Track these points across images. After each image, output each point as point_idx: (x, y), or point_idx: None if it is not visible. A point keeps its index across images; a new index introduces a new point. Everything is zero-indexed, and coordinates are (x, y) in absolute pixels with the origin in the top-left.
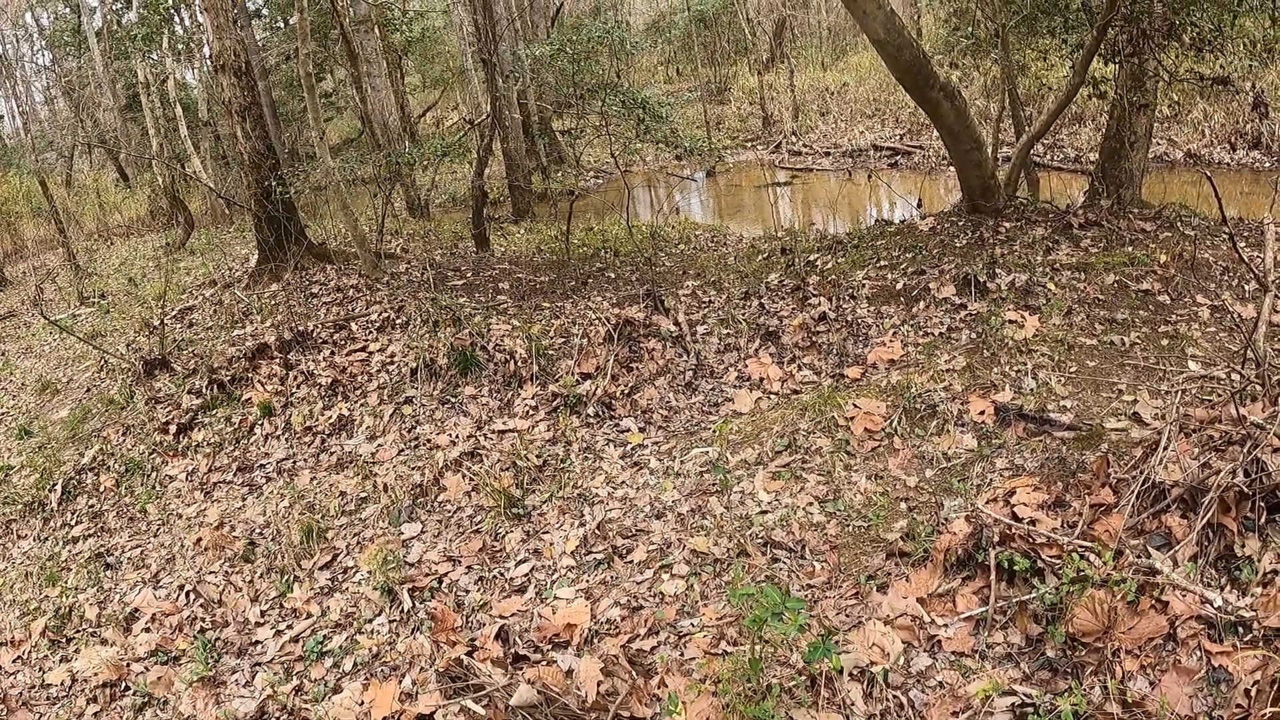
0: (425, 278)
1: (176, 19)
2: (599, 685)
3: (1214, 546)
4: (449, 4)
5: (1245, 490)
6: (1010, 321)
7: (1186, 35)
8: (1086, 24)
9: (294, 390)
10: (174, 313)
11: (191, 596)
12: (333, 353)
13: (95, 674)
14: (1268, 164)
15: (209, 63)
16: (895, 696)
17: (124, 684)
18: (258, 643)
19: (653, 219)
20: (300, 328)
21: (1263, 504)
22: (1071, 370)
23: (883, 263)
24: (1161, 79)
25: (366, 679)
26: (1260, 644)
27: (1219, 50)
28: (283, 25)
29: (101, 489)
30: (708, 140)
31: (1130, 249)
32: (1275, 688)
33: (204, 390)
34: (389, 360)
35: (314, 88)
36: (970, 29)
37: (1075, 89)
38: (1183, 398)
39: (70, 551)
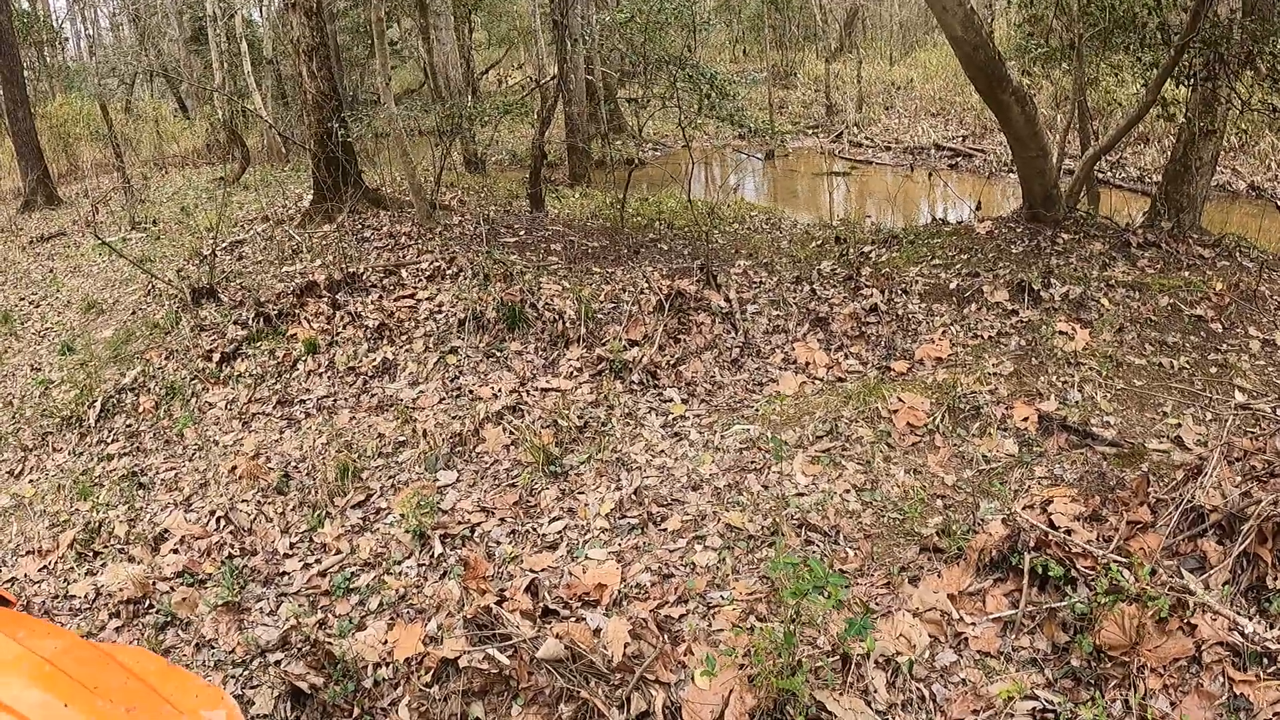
0: (478, 232)
1: None
2: (625, 647)
3: (1247, 575)
4: None
5: None
6: (1061, 332)
7: (1263, 64)
8: (1163, 44)
9: (340, 330)
10: (225, 244)
11: (222, 523)
12: (381, 297)
13: (120, 589)
14: None
15: (279, 1)
16: (918, 688)
17: (148, 602)
18: (285, 574)
19: (709, 195)
20: (350, 269)
21: None
22: (1118, 387)
23: (937, 261)
24: (1233, 107)
25: (392, 619)
26: None
27: None
28: None
29: (140, 410)
30: (770, 123)
31: (1187, 274)
32: None
33: (249, 322)
34: (437, 309)
35: (383, 33)
36: (1044, 37)
37: (1146, 108)
38: (1230, 426)
39: (104, 469)
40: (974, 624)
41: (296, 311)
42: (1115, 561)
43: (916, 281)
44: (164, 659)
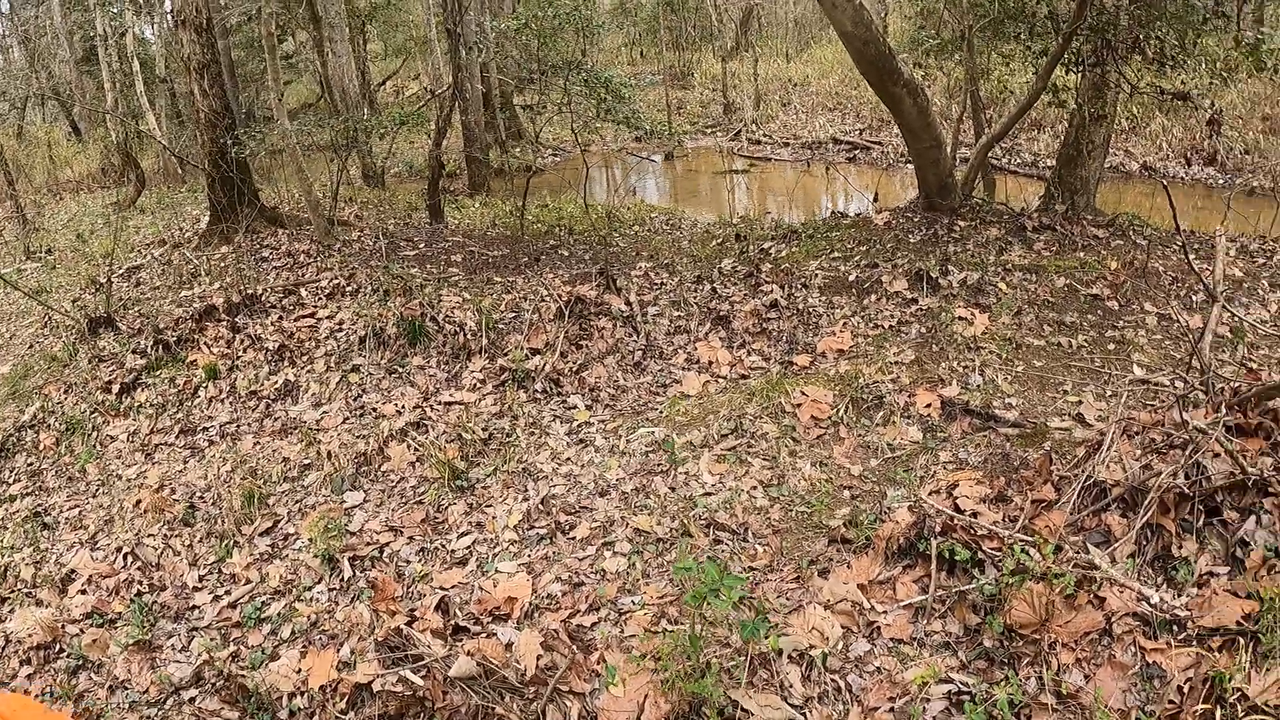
0: (377, 246)
1: None
2: (538, 659)
3: (1152, 546)
4: None
5: (1185, 492)
6: (960, 318)
7: (1150, 49)
8: (1052, 32)
9: (240, 354)
10: (121, 271)
11: (129, 559)
12: (281, 318)
13: (29, 635)
14: (1221, 180)
15: (169, 18)
16: (833, 680)
17: (59, 646)
18: (195, 607)
19: (609, 199)
20: (249, 291)
21: (1201, 507)
22: (1018, 369)
23: (836, 254)
24: (1122, 91)
25: (304, 647)
26: (1194, 643)
27: (1180, 66)
28: None
29: (41, 447)
30: (668, 124)
31: (1082, 254)
32: (1207, 686)
33: (149, 350)
34: (337, 327)
35: (275, 48)
36: (936, 29)
37: (1036, 95)
38: (1127, 400)
39: (6, 510)
40: (885, 612)
41: (196, 337)
42: (1021, 541)
43: (816, 275)
44: (40, 704)
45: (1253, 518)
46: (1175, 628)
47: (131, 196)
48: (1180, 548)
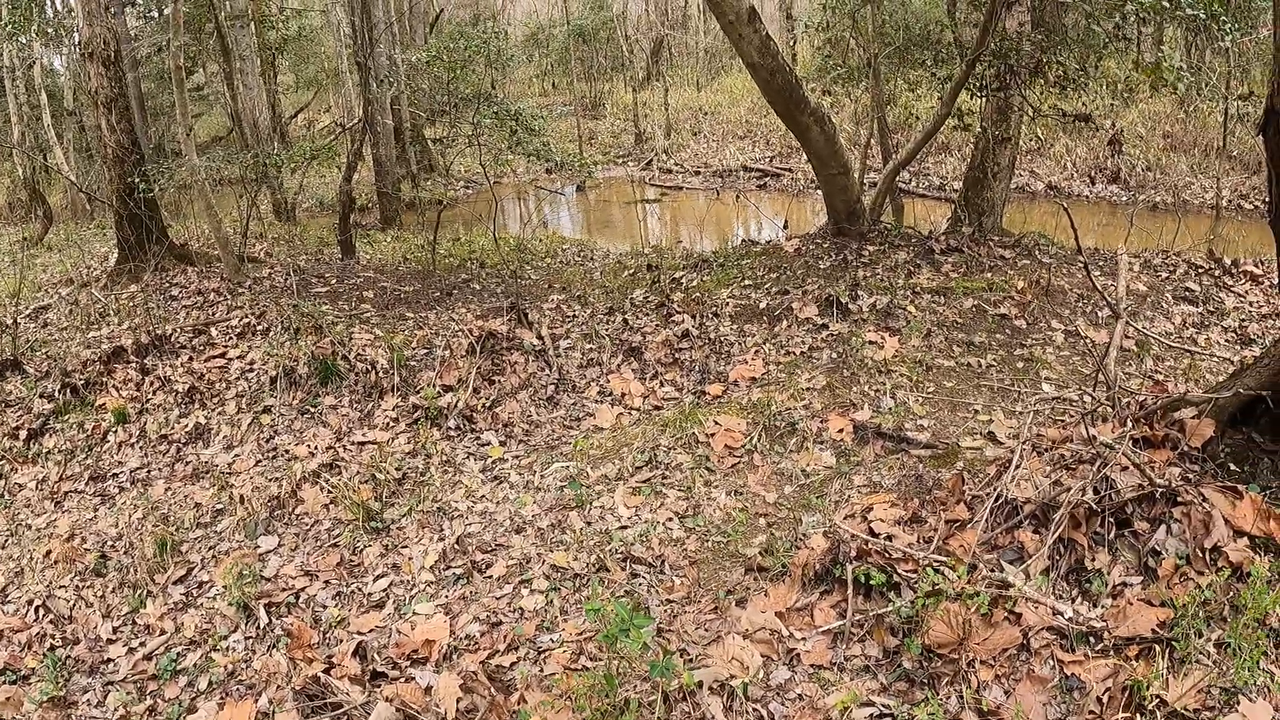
0: (288, 283)
1: (47, 1)
2: (458, 702)
3: (1065, 560)
4: (327, 3)
5: (1095, 506)
6: (870, 342)
7: (1052, 73)
8: (957, 58)
9: (150, 396)
10: (28, 311)
11: (41, 612)
12: (191, 358)
13: None
14: (1124, 198)
15: (78, 50)
16: (755, 709)
17: None
18: (110, 660)
19: (521, 231)
20: (158, 331)
21: (1112, 519)
22: (929, 390)
23: (747, 282)
24: (1026, 114)
25: (222, 698)
26: (1111, 653)
27: (1082, 88)
28: (156, 15)
29: None
30: (580, 155)
31: (989, 275)
32: (1126, 694)
33: (56, 394)
34: (248, 367)
35: (183, 82)
36: (843, 58)
37: (942, 119)
38: (1036, 418)
39: None
40: (804, 639)
41: (104, 380)
42: (936, 562)
43: (728, 304)
44: None
45: (1163, 527)
46: (1092, 639)
47: (38, 233)
48: (1093, 560)
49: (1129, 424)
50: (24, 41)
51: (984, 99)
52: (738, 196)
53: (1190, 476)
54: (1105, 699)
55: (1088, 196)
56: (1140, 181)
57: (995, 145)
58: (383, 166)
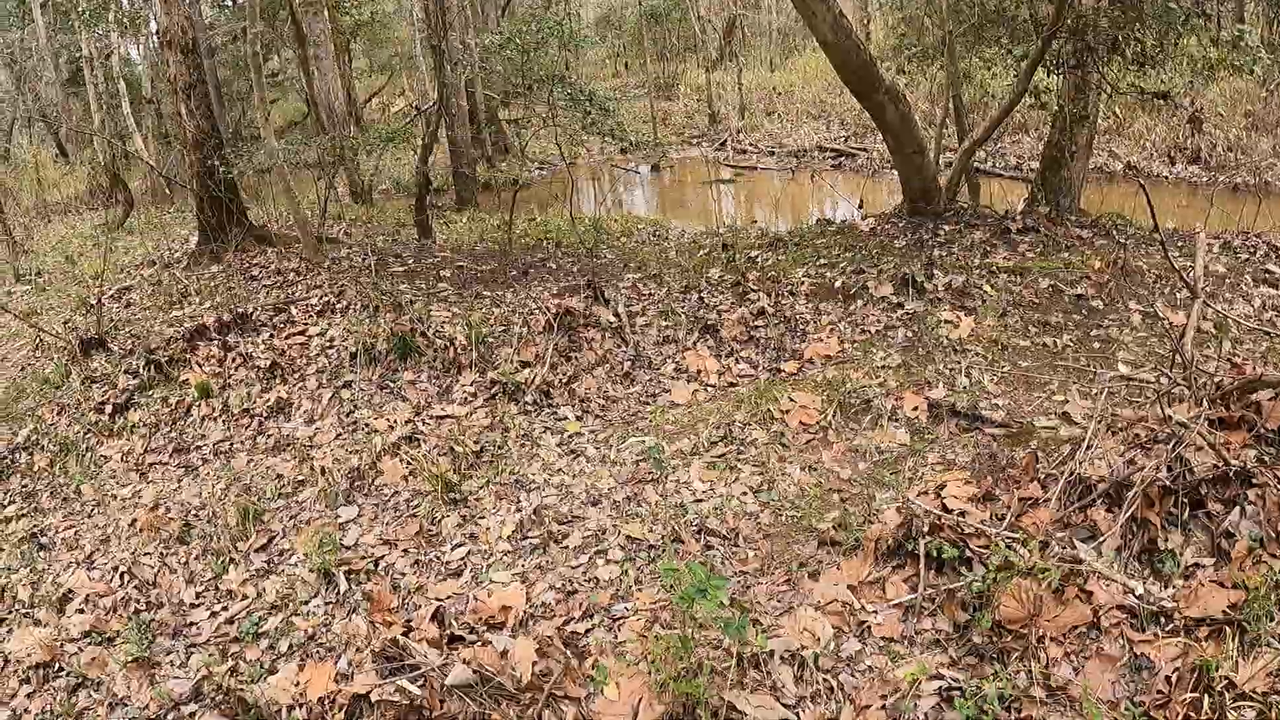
0: (366, 263)
1: None
2: (534, 666)
3: (1138, 540)
4: None
5: (1169, 486)
6: (946, 321)
7: (1130, 50)
8: (1032, 35)
9: (232, 372)
10: (112, 292)
11: (126, 578)
12: (272, 335)
13: (28, 655)
14: (1204, 179)
15: (155, 38)
16: (825, 679)
17: (57, 665)
18: (193, 624)
19: (596, 212)
20: (239, 310)
21: (1185, 500)
22: (1004, 370)
23: (822, 261)
24: (1104, 92)
25: (302, 660)
26: (1181, 634)
27: (1160, 66)
28: (231, 4)
29: (35, 469)
30: (654, 135)
31: (1066, 255)
32: (1195, 675)
33: (140, 371)
34: (328, 344)
35: (260, 68)
36: (918, 36)
37: (1018, 98)
38: (1111, 398)
39: (2, 532)
40: (876, 612)
41: (187, 356)
42: (1008, 538)
43: (803, 282)
44: None
45: (1237, 509)
46: (1162, 619)
47: (120, 218)
48: (1166, 540)
49: (1205, 404)
50: (102, 32)
51: (1060, 77)
52: (812, 176)
53: (1266, 458)
54: (1174, 679)
55: (1167, 177)
56: (1221, 162)
57: (1072, 124)
58: (458, 149)
